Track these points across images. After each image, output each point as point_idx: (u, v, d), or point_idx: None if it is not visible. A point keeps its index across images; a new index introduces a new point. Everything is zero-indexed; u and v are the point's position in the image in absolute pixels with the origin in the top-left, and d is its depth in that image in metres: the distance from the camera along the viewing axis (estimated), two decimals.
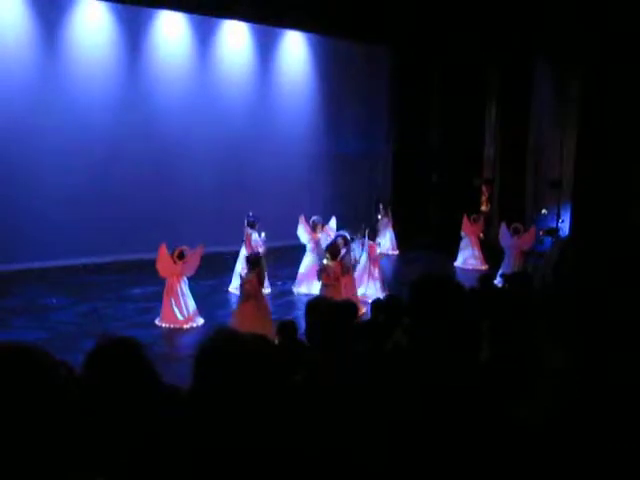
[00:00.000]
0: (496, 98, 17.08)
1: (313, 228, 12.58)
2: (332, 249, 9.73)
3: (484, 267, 14.32)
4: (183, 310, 9.77)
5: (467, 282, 14.65)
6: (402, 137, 18.49)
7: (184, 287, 9.88)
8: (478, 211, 15.07)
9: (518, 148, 16.64)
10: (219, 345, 2.05)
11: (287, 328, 5.53)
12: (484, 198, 17.63)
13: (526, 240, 13.08)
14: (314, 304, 3.72)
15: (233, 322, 8.70)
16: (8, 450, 1.59)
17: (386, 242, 15.91)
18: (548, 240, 15.03)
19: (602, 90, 13.99)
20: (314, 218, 12.70)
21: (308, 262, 12.09)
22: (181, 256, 9.82)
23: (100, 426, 2.11)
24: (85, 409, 2.02)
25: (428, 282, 2.57)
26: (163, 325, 9.77)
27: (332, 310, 3.57)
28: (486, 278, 7.82)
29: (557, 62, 15.54)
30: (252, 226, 11.73)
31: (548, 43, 15.28)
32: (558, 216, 15.23)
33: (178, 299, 9.78)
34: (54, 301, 10.71)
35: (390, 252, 15.95)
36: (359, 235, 11.79)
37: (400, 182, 18.44)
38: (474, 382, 2.32)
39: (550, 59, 15.77)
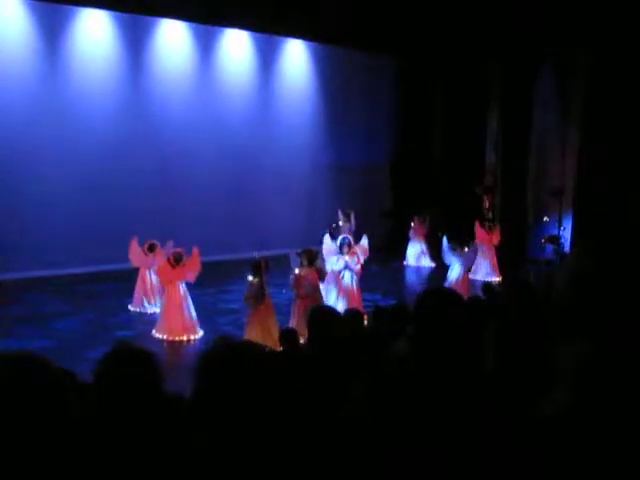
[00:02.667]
0: (498, 106, 17.11)
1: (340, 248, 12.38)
2: (255, 266, 9.04)
3: (433, 265, 15.25)
4: (150, 298, 10.77)
5: (419, 278, 14.91)
6: (404, 146, 18.52)
7: (154, 278, 10.74)
8: (425, 213, 15.86)
9: (520, 156, 16.65)
10: (220, 354, 2.05)
11: (290, 336, 5.52)
12: (486, 206, 17.64)
13: (496, 235, 14.07)
14: (317, 313, 3.71)
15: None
16: (8, 458, 1.59)
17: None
18: (550, 247, 15.02)
19: (605, 98, 14.02)
20: (343, 237, 12.49)
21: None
22: (152, 248, 10.80)
23: (104, 434, 2.11)
24: (90, 416, 2.02)
25: (434, 295, 2.58)
26: (131, 309, 10.82)
27: (335, 319, 3.57)
28: (489, 287, 7.82)
29: (560, 69, 15.58)
30: (334, 237, 11.83)
31: (550, 51, 15.32)
32: (560, 224, 15.22)
33: (147, 288, 10.81)
34: (56, 309, 10.74)
35: None
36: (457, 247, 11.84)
37: (402, 191, 18.46)
38: (481, 388, 2.31)
39: (553, 66, 15.81)
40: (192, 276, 9.65)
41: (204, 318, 10.14)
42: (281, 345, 5.50)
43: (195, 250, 9.70)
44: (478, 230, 13.99)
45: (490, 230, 14.08)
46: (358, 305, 9.73)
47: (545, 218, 15.69)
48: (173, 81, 14.86)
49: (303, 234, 16.23)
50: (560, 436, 1.43)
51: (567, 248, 14.90)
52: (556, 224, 15.33)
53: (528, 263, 13.77)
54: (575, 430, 1.37)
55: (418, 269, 15.57)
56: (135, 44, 14.23)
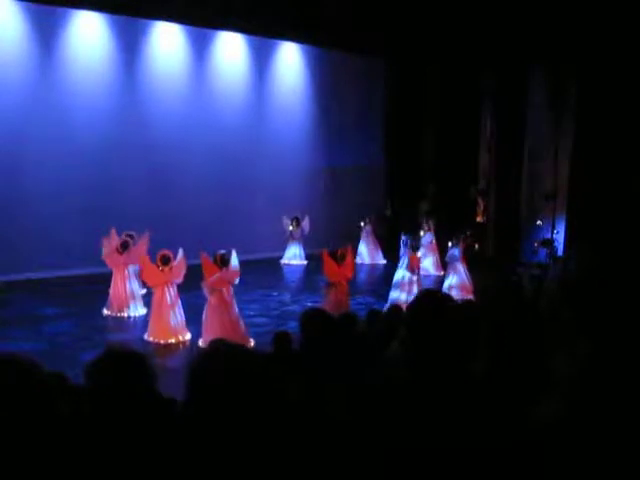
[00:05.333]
0: (491, 109, 17.16)
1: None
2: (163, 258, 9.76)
3: (383, 261, 16.38)
4: (122, 300, 10.79)
5: (367, 272, 15.63)
6: (397, 149, 18.54)
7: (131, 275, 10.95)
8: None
9: (514, 159, 16.70)
10: (212, 358, 2.05)
11: (282, 339, 5.50)
12: (479, 209, 17.68)
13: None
14: (309, 316, 3.71)
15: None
16: None
17: (296, 253, 16.05)
18: (543, 251, 15.06)
19: (598, 101, 14.07)
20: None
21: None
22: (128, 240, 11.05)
23: (96, 436, 2.10)
24: (80, 418, 2.01)
25: (427, 297, 2.58)
26: (104, 312, 10.81)
27: (328, 322, 3.56)
28: (484, 290, 7.82)
29: (553, 72, 15.63)
30: (414, 249, 12.03)
31: (543, 54, 15.37)
32: (553, 227, 15.26)
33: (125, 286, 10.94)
34: (49, 311, 10.69)
35: (299, 262, 15.94)
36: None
37: (395, 194, 18.48)
38: (473, 391, 2.32)
39: (546, 69, 15.86)
40: (137, 261, 10.55)
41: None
42: (273, 348, 5.48)
43: (144, 237, 10.98)
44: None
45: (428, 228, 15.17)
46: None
47: (538, 222, 15.72)
48: (167, 83, 14.84)
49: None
50: (554, 441, 1.43)
51: (560, 252, 14.94)
52: (549, 228, 15.37)
53: (521, 266, 13.77)
54: (570, 435, 1.37)
55: (374, 266, 16.30)
56: (129, 46, 14.20)
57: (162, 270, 9.45)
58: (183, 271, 9.58)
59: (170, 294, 9.45)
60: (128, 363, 2.32)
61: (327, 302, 10.11)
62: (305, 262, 16.02)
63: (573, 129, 15.08)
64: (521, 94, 16.29)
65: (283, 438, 2.08)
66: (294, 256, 16.04)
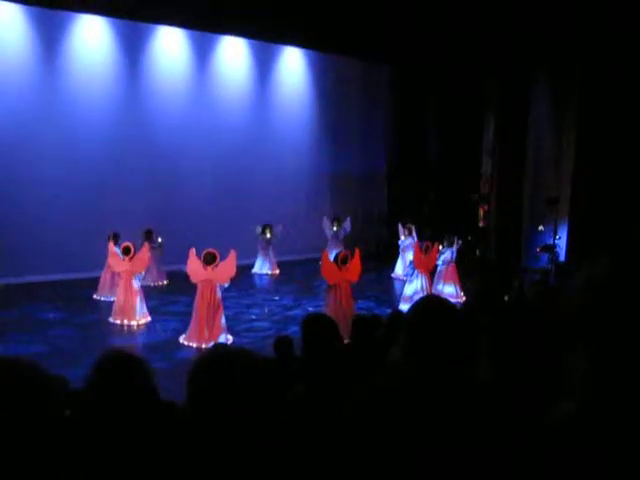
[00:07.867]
0: (494, 114, 17.16)
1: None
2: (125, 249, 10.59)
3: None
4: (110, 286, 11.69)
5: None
6: (400, 154, 18.55)
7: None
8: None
9: (516, 164, 16.69)
10: (213, 361, 2.05)
11: (283, 343, 5.50)
12: (481, 214, 17.67)
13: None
14: (311, 320, 3.70)
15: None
16: None
17: (265, 263, 15.50)
18: (545, 257, 15.04)
19: (601, 106, 14.07)
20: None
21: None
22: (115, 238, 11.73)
23: (96, 439, 2.10)
24: (81, 422, 2.01)
25: (429, 302, 2.57)
26: (94, 296, 11.91)
27: (331, 326, 3.56)
28: (484, 294, 7.82)
29: (555, 77, 15.63)
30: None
31: (546, 59, 15.38)
32: (555, 233, 15.24)
33: (112, 275, 11.66)
34: (51, 315, 10.69)
35: (270, 272, 15.41)
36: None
37: (398, 198, 18.48)
38: (476, 395, 2.31)
39: (548, 74, 15.86)
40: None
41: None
42: (274, 353, 5.48)
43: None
44: (400, 229, 15.06)
45: (409, 233, 15.00)
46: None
47: (540, 227, 15.69)
48: (170, 87, 14.87)
49: (300, 241, 16.25)
50: (563, 447, 1.42)
51: (562, 257, 14.92)
52: (551, 233, 15.35)
53: (523, 272, 13.76)
54: (580, 440, 1.36)
55: None
56: (132, 50, 14.24)
57: (206, 269, 9.37)
58: (145, 264, 10.62)
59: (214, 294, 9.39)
60: (127, 367, 2.32)
61: (327, 305, 10.10)
62: (277, 271, 15.41)
63: (575, 134, 15.07)
64: (524, 98, 16.29)
65: (283, 441, 2.07)
66: (267, 265, 15.43)
